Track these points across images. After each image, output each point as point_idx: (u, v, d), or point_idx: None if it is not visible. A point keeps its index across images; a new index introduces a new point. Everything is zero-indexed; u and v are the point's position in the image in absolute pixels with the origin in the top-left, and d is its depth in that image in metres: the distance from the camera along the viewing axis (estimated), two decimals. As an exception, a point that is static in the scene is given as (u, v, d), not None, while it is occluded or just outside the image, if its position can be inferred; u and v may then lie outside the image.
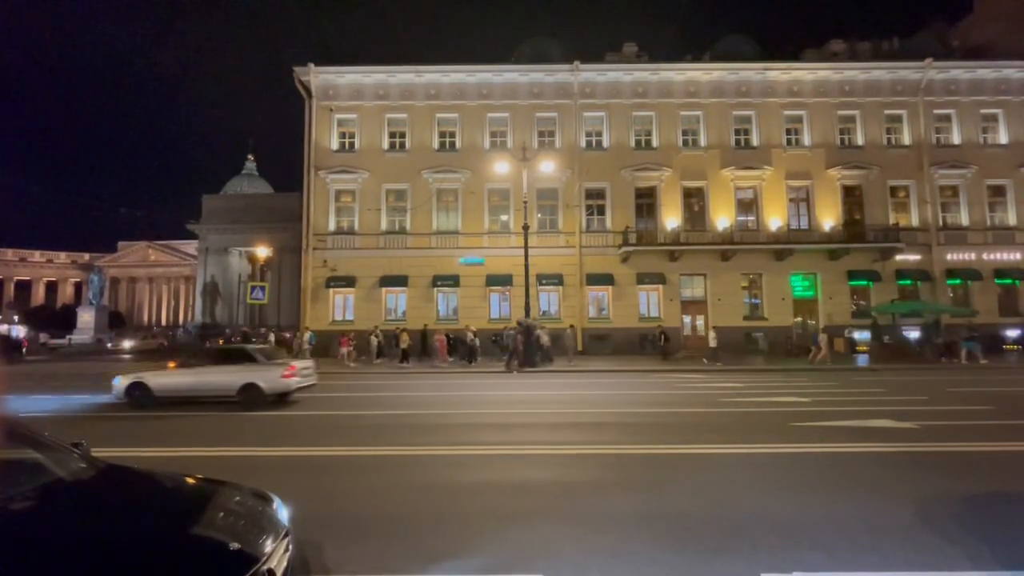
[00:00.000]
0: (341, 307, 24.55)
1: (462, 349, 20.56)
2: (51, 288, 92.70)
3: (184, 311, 78.57)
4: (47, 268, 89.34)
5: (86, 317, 43.63)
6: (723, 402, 10.51)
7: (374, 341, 20.67)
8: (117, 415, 9.47)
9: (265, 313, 37.89)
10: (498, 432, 7.81)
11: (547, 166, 20.64)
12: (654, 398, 11.20)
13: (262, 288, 20.17)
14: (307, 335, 19.42)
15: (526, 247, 19.68)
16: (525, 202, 20.13)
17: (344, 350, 20.15)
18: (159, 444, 6.94)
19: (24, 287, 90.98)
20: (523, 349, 18.96)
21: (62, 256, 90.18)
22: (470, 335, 20.30)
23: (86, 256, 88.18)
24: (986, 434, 7.33)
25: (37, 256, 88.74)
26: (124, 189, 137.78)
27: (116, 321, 59.38)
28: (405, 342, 19.86)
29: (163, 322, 77.62)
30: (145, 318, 79.84)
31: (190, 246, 66.55)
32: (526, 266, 19.63)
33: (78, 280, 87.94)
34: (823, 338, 19.64)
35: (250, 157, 68.25)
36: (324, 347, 23.63)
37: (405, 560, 3.44)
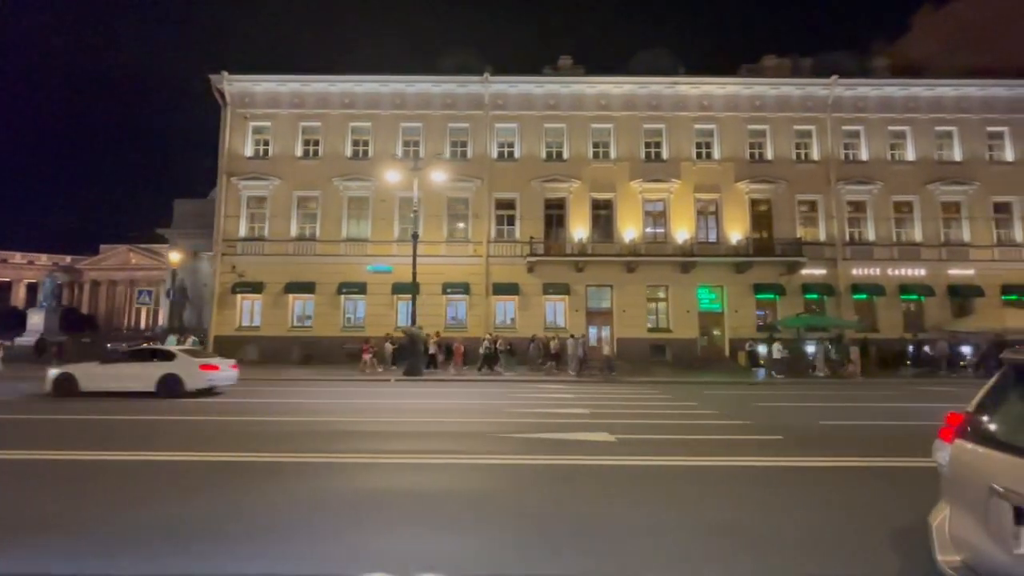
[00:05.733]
0: (249, 312, 24.63)
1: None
2: (32, 290, 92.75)
3: (162, 314, 78.64)
4: (28, 270, 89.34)
5: (35, 319, 43.55)
6: (510, 412, 10.55)
7: (389, 348, 21.30)
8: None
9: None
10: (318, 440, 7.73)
11: (439, 175, 20.81)
12: (456, 407, 11.26)
13: (149, 292, 20.38)
14: (190, 340, 19.48)
15: (414, 255, 19.72)
16: (415, 211, 20.24)
17: (366, 357, 20.23)
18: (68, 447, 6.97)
19: (5, 289, 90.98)
20: (409, 357, 19.08)
21: (43, 258, 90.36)
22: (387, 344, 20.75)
23: (67, 259, 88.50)
24: (674, 448, 7.38)
25: (18, 258, 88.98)
26: (112, 192, 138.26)
27: (86, 324, 59.40)
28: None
29: (142, 325, 77.68)
30: (125, 321, 79.95)
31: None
32: (413, 274, 19.67)
33: (59, 283, 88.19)
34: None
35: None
36: (231, 352, 23.73)
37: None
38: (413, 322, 19.83)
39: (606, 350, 21.00)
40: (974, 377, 18.88)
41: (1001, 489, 2.32)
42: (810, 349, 20.91)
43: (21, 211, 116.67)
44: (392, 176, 20.39)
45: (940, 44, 31.89)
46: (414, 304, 19.93)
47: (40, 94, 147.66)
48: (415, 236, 20.01)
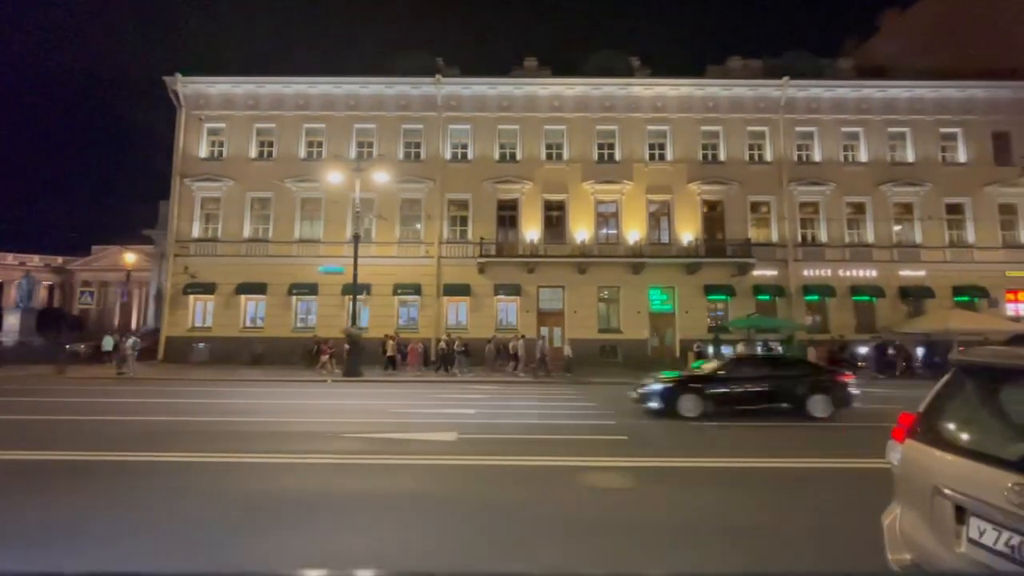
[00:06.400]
0: (201, 313, 24.71)
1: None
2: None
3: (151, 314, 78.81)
4: (20, 271, 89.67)
5: (11, 320, 43.77)
6: (393, 412, 10.60)
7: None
8: None
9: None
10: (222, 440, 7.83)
11: (382, 176, 20.83)
12: (351, 408, 11.31)
13: (91, 293, 20.51)
14: (130, 340, 19.52)
15: (355, 256, 19.78)
16: (358, 211, 20.37)
17: (324, 358, 20.23)
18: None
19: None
20: (348, 358, 19.14)
21: (35, 259, 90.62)
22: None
23: (59, 260, 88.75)
24: (510, 447, 7.41)
25: (10, 259, 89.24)
26: (107, 193, 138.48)
27: (75, 324, 59.55)
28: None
29: (133, 325, 77.82)
30: (116, 322, 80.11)
31: (167, 250, 66.90)
32: (355, 275, 19.73)
33: (51, 283, 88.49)
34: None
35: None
36: (183, 353, 23.86)
37: None
38: (354, 323, 19.92)
39: (567, 351, 21.08)
40: (877, 376, 19.80)
41: (943, 488, 2.36)
42: (726, 351, 20.89)
43: (15, 212, 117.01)
44: (335, 177, 20.44)
45: (906, 45, 31.93)
46: (355, 305, 20.02)
47: (34, 96, 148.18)
48: (356, 237, 20.12)
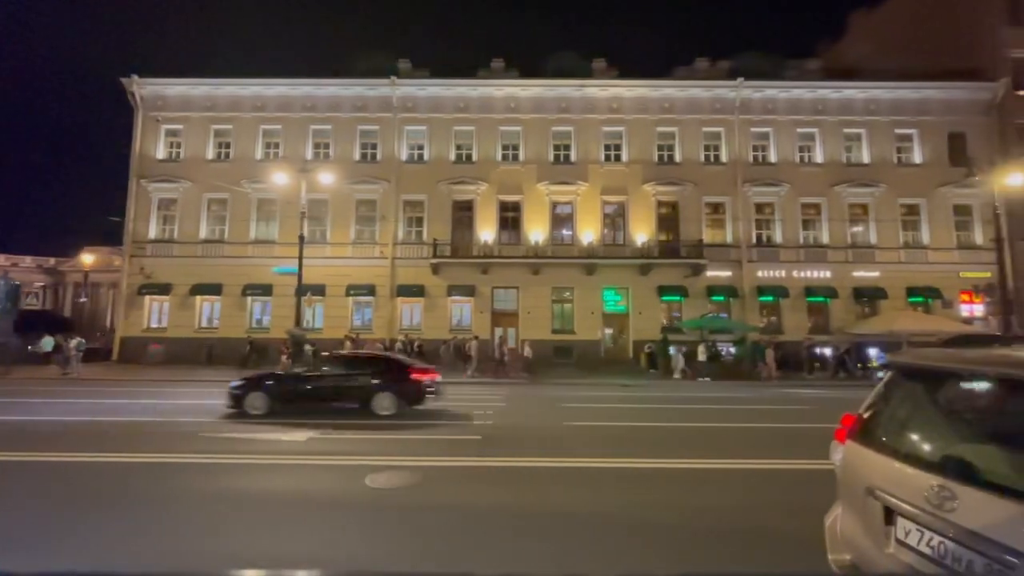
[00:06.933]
0: (157, 314, 24.78)
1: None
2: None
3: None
4: (12, 272, 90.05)
5: (-12, 320, 44.05)
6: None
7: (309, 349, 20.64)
8: None
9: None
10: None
11: (326, 177, 20.86)
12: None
13: (36, 295, 20.36)
14: (74, 341, 19.60)
15: (300, 256, 19.82)
16: (303, 212, 20.38)
17: (283, 358, 20.29)
18: None
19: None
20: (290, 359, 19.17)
21: (27, 260, 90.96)
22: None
23: (51, 260, 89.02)
24: (356, 446, 7.45)
25: (1, 260, 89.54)
26: (101, 194, 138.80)
27: (65, 325, 59.89)
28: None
29: (109, 325, 78.11)
30: (107, 323, 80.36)
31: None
32: (299, 276, 19.76)
33: (43, 284, 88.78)
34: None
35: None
36: (138, 354, 23.93)
37: None
38: (298, 324, 19.95)
39: (527, 352, 21.11)
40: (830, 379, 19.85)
41: (875, 489, 2.39)
42: (671, 351, 20.91)
43: (10, 213, 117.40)
44: (280, 178, 20.48)
45: (873, 46, 31.88)
46: (299, 306, 20.03)
47: (31, 96, 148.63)
48: (302, 238, 20.11)
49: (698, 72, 28.18)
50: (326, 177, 20.78)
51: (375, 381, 10.23)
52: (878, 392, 2.74)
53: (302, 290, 20.18)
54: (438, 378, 10.90)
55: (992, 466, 2.08)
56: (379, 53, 27.20)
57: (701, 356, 21.27)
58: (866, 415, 2.71)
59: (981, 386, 2.29)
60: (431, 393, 10.53)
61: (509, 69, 28.13)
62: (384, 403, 10.06)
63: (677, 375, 19.76)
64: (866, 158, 24.95)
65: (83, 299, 25.62)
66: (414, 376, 10.47)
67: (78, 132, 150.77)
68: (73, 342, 19.44)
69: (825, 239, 24.55)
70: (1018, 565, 1.79)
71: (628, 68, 27.80)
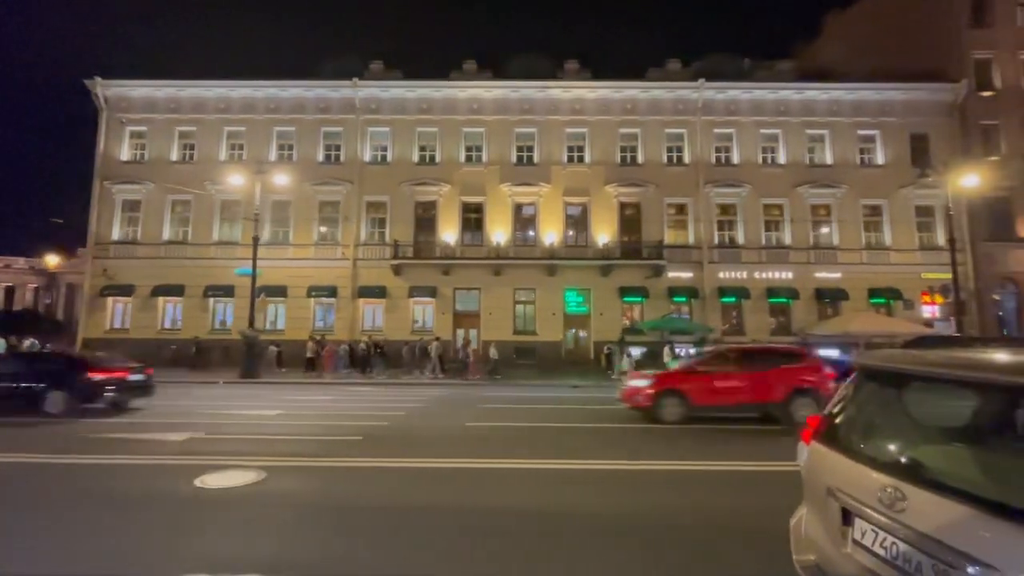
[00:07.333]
0: (120, 315, 24.83)
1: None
2: (8, 293, 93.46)
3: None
4: (5, 273, 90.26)
5: (-31, 322, 44.22)
6: (202, 413, 10.67)
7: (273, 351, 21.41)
8: None
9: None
10: None
11: (281, 179, 20.93)
12: (175, 409, 11.38)
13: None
14: (27, 343, 19.67)
15: (254, 258, 20.01)
16: (256, 214, 20.48)
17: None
18: None
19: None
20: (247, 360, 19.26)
21: (20, 261, 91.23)
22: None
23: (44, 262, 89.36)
24: (238, 446, 7.46)
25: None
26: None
27: (57, 326, 59.89)
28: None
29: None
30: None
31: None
32: (252, 278, 19.93)
33: (36, 286, 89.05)
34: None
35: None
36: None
37: None
38: (251, 325, 20.01)
39: (492, 353, 21.14)
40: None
41: (834, 489, 2.41)
42: (635, 351, 20.88)
43: (12, 214, 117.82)
44: (236, 179, 20.55)
45: (845, 47, 31.87)
46: (252, 307, 20.10)
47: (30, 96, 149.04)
48: (256, 240, 20.30)
49: (670, 74, 28.22)
50: (281, 178, 20.90)
51: (48, 382, 10.19)
52: (842, 393, 2.76)
53: (258, 292, 20.25)
54: (129, 376, 10.92)
55: (944, 468, 2.09)
56: (351, 54, 27.34)
57: (666, 358, 21.20)
58: (830, 416, 2.73)
59: (939, 388, 2.29)
60: (111, 391, 10.39)
61: (482, 71, 28.23)
62: (55, 402, 10.00)
63: (615, 376, 19.61)
64: (829, 159, 24.94)
65: (47, 300, 25.41)
66: (92, 375, 10.37)
67: (45, 133, 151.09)
68: (26, 343, 19.51)
69: (787, 240, 24.54)
70: (964, 568, 1.78)
71: (602, 70, 27.96)
